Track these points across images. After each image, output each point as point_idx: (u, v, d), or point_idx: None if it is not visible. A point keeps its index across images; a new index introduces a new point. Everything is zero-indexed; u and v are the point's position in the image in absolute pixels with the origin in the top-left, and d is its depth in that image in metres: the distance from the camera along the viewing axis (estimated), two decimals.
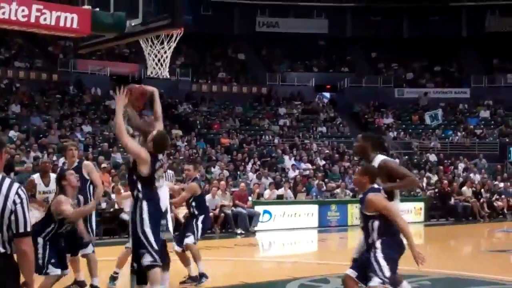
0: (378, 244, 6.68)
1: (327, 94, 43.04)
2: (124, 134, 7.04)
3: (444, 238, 19.49)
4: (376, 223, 6.69)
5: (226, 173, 23.99)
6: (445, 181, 26.37)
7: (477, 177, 28.96)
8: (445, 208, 25.19)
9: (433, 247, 17.58)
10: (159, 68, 7.83)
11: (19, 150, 21.79)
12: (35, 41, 35.16)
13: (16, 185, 4.18)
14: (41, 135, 25.13)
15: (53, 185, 9.58)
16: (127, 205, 13.85)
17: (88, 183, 9.55)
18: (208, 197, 19.28)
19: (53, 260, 7.91)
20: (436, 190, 26.09)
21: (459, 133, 36.50)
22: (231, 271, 12.35)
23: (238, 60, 42.76)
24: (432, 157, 33.16)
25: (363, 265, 6.73)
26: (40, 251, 7.94)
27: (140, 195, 7.13)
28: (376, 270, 6.55)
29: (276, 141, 31.67)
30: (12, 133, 24.20)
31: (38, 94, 30.76)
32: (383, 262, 6.57)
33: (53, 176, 9.93)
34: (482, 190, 26.50)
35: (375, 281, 6.52)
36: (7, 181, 4.16)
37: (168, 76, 8.31)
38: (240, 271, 11.81)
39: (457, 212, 24.76)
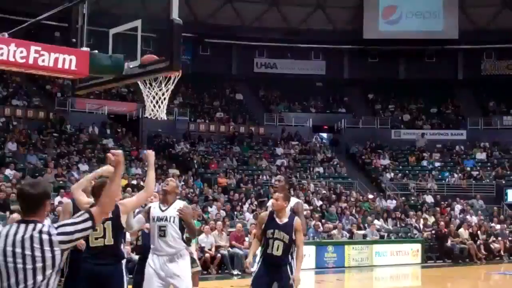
0: (293, 264, 7.88)
1: (324, 135, 43.19)
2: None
3: (441, 281, 19.36)
4: (293, 246, 7.89)
5: (223, 213, 23.90)
6: (442, 223, 26.30)
7: (473, 219, 28.91)
8: (442, 250, 25.08)
9: None
10: (157, 110, 7.85)
11: (16, 189, 21.71)
12: (33, 80, 35.31)
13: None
14: (37, 174, 25.10)
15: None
16: None
17: None
18: (202, 236, 19.22)
19: None
20: (433, 231, 26.01)
21: (455, 175, 36.54)
22: None
23: (236, 100, 42.98)
24: (429, 199, 33.14)
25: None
26: None
27: None
28: (292, 285, 7.77)
29: (273, 181, 31.59)
30: (8, 172, 24.15)
31: (35, 133, 30.79)
32: (291, 281, 7.82)
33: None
34: (479, 232, 26.43)
35: None
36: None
37: (165, 118, 8.33)
38: None
39: (454, 254, 24.66)
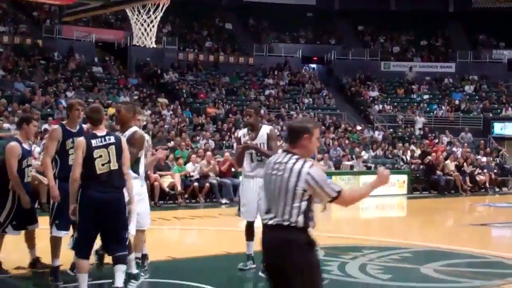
0: None
1: (314, 66, 43.01)
2: None
3: (427, 211, 19.64)
4: None
5: (212, 143, 23.93)
6: (434, 154, 26.43)
7: (460, 151, 29.13)
8: (428, 181, 25.34)
9: (416, 220, 17.73)
10: (145, 38, 7.75)
11: (3, 116, 21.59)
12: (20, 6, 34.72)
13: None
14: (25, 101, 24.90)
15: None
16: None
17: None
18: (189, 165, 19.31)
19: (14, 222, 7.79)
20: (422, 162, 26.14)
21: (443, 107, 36.67)
22: (215, 240, 12.42)
23: (225, 30, 42.52)
24: (418, 125, 33.52)
25: None
26: (8, 206, 7.80)
27: None
28: None
29: (262, 111, 31.61)
30: None
31: (22, 60, 30.46)
32: None
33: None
34: (465, 164, 26.67)
35: None
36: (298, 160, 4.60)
37: (154, 46, 8.22)
38: (224, 241, 11.87)
39: (440, 186, 24.93)
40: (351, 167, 24.35)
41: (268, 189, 4.65)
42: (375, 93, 38.06)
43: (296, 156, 4.59)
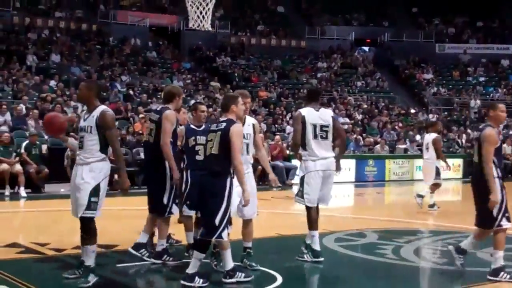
0: None
1: (366, 48, 42.58)
2: None
3: None
4: None
5: (264, 126, 23.95)
6: None
7: None
8: None
9: (471, 204, 17.49)
10: (201, 21, 7.77)
11: (62, 99, 21.98)
12: None
13: None
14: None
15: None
16: None
17: None
18: None
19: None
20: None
21: (500, 90, 35.93)
22: (267, 223, 12.44)
23: (277, 13, 42.39)
24: (474, 108, 32.80)
25: None
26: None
27: None
28: None
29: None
30: (52, 83, 24.46)
31: (78, 44, 30.97)
32: None
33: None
34: None
35: None
36: None
37: (210, 29, 8.27)
38: (276, 223, 11.90)
39: None
40: (405, 150, 24.11)
41: None
42: (429, 76, 37.53)
43: None
